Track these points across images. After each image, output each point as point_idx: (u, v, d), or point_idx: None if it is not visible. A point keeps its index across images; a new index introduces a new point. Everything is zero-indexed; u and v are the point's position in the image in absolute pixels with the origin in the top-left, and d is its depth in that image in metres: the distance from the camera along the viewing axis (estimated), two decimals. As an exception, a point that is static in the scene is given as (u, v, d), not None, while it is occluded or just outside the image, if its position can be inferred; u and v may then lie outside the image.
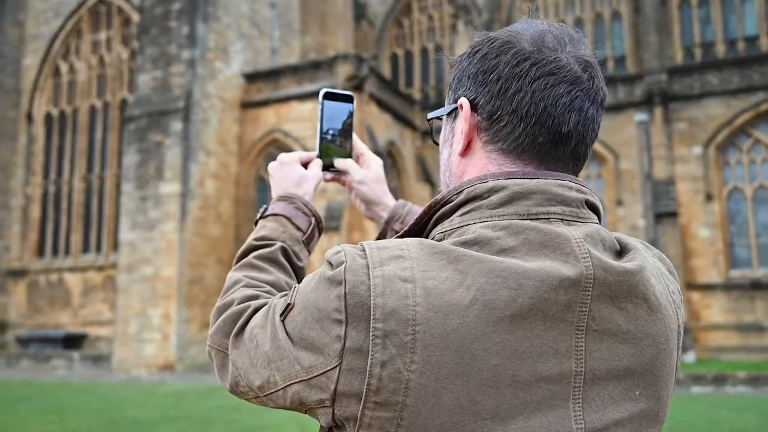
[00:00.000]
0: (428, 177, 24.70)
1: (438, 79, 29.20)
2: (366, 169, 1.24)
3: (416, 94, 28.27)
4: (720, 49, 23.93)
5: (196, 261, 20.07)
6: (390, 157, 23.21)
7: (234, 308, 0.92)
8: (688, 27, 24.32)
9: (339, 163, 1.20)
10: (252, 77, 22.46)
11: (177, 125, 20.37)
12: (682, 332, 0.85)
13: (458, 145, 0.90)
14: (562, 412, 0.73)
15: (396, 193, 23.49)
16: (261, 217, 1.15)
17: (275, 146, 21.87)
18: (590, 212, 0.84)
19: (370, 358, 0.72)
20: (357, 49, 24.54)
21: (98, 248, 24.90)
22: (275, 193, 1.19)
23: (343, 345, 0.74)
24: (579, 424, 0.73)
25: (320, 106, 1.16)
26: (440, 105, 25.65)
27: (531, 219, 0.79)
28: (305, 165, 1.21)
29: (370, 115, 21.38)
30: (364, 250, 0.78)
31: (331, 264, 0.78)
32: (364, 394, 0.73)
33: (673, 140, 20.43)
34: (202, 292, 20.12)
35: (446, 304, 0.72)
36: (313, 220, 1.15)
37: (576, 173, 0.88)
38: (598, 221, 0.85)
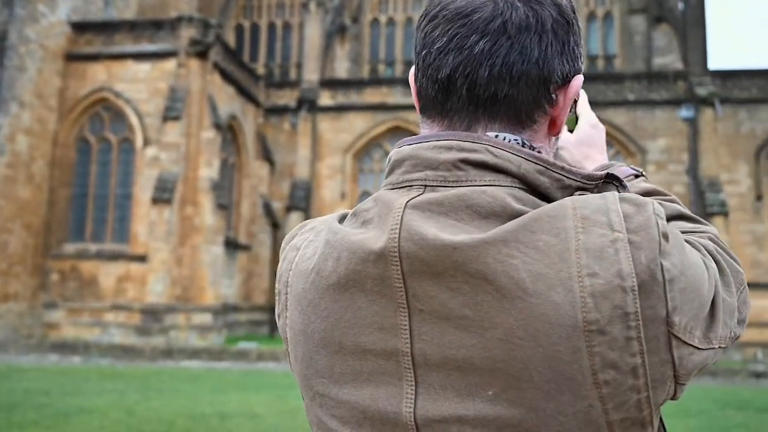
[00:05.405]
0: (268, 155, 24.17)
1: (284, 57, 28.58)
2: (569, 133, 1.11)
3: (260, 70, 27.42)
4: (365, 70, 27.59)
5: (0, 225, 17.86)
6: (230, 131, 22.36)
7: None
8: (376, 44, 27.70)
9: None
10: (81, 27, 20.38)
11: (-15, 69, 17.91)
12: (609, 330, 0.63)
13: None
14: (394, 390, 0.70)
15: (233, 169, 22.73)
16: None
17: (103, 106, 20.10)
18: (479, 171, 0.72)
19: (276, 309, 0.85)
20: (201, 13, 23.22)
21: None
22: None
23: None
24: (408, 407, 0.69)
25: None
26: (286, 83, 25.39)
27: (397, 188, 0.75)
28: None
29: (213, 85, 20.41)
30: (311, 221, 0.87)
31: None
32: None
33: (319, 145, 24.09)
34: (3, 261, 17.96)
35: (301, 270, 0.79)
36: None
37: (503, 119, 0.76)
38: (501, 181, 0.72)
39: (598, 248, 0.66)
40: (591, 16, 26.93)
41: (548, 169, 0.73)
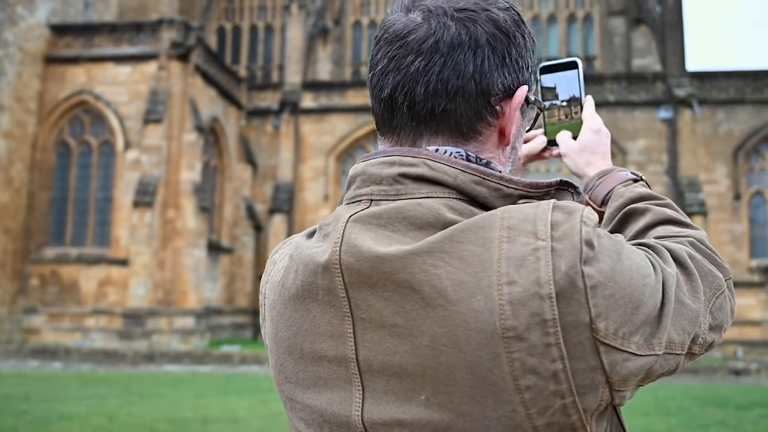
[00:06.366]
0: (251, 158, 24.08)
1: (266, 59, 28.50)
2: (573, 140, 1.10)
3: (242, 72, 27.32)
4: (347, 72, 27.52)
5: (-22, 230, 17.63)
6: (212, 134, 22.25)
7: None
8: (358, 46, 27.72)
9: (558, 137, 1.12)
10: (60, 30, 20.19)
11: (-38, 72, 17.69)
12: (527, 336, 0.64)
13: None
14: (346, 394, 0.74)
15: (215, 172, 22.63)
16: None
17: (83, 109, 19.92)
18: (417, 185, 0.75)
19: (260, 318, 0.90)
20: (182, 16, 23.08)
21: None
22: None
23: None
24: (357, 411, 0.73)
25: (539, 83, 1.13)
26: (268, 85, 25.18)
27: (350, 202, 0.80)
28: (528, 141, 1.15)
29: (195, 88, 20.30)
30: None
31: None
32: None
33: (302, 147, 24.10)
34: (-18, 266, 17.72)
35: (273, 282, 0.84)
36: None
37: (445, 133, 0.78)
38: (438, 192, 0.74)
39: (519, 257, 0.67)
40: (571, 18, 27.18)
41: (485, 179, 0.75)
